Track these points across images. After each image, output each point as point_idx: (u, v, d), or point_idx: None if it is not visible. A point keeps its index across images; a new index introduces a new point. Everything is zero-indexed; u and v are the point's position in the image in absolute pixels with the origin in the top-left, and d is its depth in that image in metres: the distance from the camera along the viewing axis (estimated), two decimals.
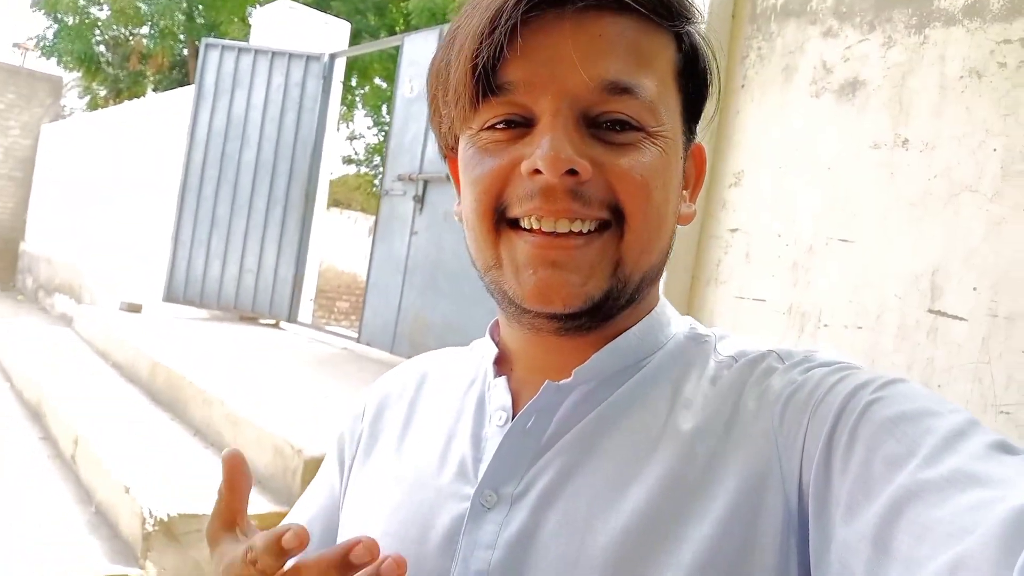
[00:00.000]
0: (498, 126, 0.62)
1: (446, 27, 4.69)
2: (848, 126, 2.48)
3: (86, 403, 3.87)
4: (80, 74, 16.52)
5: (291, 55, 6.29)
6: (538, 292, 0.61)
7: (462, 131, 0.66)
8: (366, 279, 5.38)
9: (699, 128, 0.70)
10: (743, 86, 2.80)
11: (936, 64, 2.31)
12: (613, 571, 0.56)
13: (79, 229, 10.10)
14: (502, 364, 0.74)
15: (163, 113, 8.35)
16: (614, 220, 0.61)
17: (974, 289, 2.13)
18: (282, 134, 6.26)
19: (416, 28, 10.41)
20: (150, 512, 2.51)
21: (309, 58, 6.25)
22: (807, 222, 2.54)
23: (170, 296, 6.47)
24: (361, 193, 17.47)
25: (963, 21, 2.26)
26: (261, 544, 0.51)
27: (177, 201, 6.47)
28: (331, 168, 7.11)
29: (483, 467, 0.66)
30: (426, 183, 4.91)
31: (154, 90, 15.72)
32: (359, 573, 0.50)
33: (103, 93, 17.06)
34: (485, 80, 0.60)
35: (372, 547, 0.49)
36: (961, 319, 2.15)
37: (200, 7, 14.19)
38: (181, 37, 15.09)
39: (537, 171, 0.59)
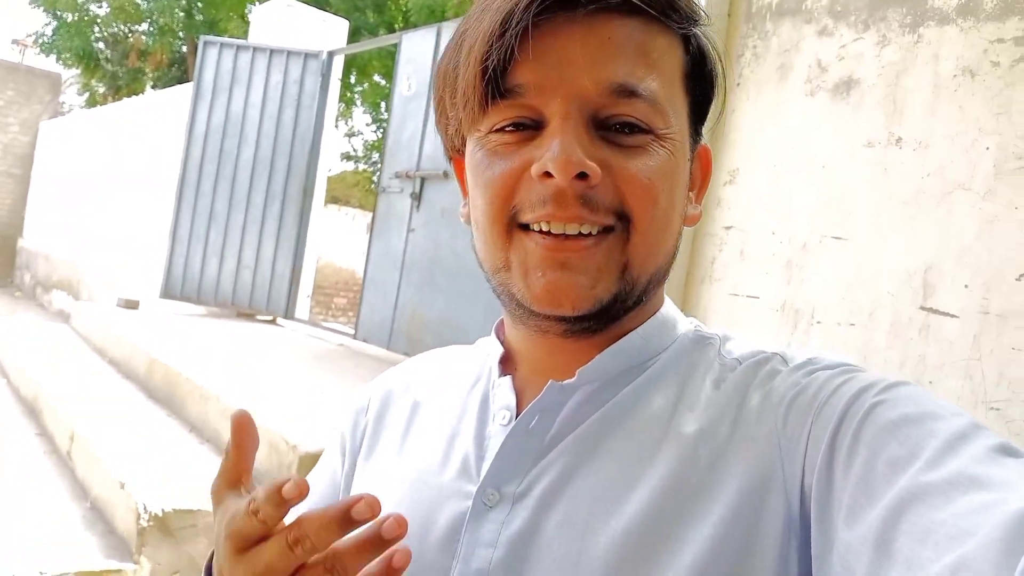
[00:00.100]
0: (507, 129, 0.62)
1: (444, 25, 4.70)
2: (842, 125, 2.49)
3: (83, 399, 3.88)
4: (79, 71, 16.51)
5: (289, 52, 6.29)
6: (547, 294, 0.61)
7: (470, 133, 0.66)
8: (363, 276, 5.38)
9: (704, 129, 0.71)
10: (738, 84, 2.80)
11: (930, 63, 2.32)
12: (614, 572, 0.56)
13: (77, 226, 10.10)
14: (507, 364, 0.74)
15: (162, 110, 8.35)
16: (620, 225, 0.61)
17: (966, 287, 2.14)
18: (280, 131, 6.26)
19: (415, 25, 10.40)
20: (145, 508, 2.51)
21: (307, 56, 6.26)
22: (801, 220, 2.54)
23: (167, 292, 6.48)
24: (359, 190, 17.47)
25: (957, 20, 2.26)
26: (262, 494, 0.51)
27: (175, 198, 6.47)
28: (329, 165, 7.12)
29: (486, 466, 0.66)
30: (423, 180, 4.91)
31: (153, 87, 15.72)
32: (360, 529, 0.50)
33: (102, 90, 17.06)
34: (495, 83, 0.60)
35: (374, 504, 0.50)
36: (953, 316, 2.16)
37: (199, 4, 14.19)
38: (180, 34, 15.08)
39: (547, 174, 0.59)
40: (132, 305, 6.53)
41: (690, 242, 2.87)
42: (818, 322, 2.45)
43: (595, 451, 0.63)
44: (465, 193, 0.73)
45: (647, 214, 0.61)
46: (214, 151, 6.39)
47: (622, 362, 0.66)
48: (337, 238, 12.40)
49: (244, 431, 0.58)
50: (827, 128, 2.53)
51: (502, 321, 0.77)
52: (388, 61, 13.24)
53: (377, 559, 0.51)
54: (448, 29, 4.94)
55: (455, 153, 0.72)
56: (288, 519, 0.52)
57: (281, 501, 0.51)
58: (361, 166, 18.73)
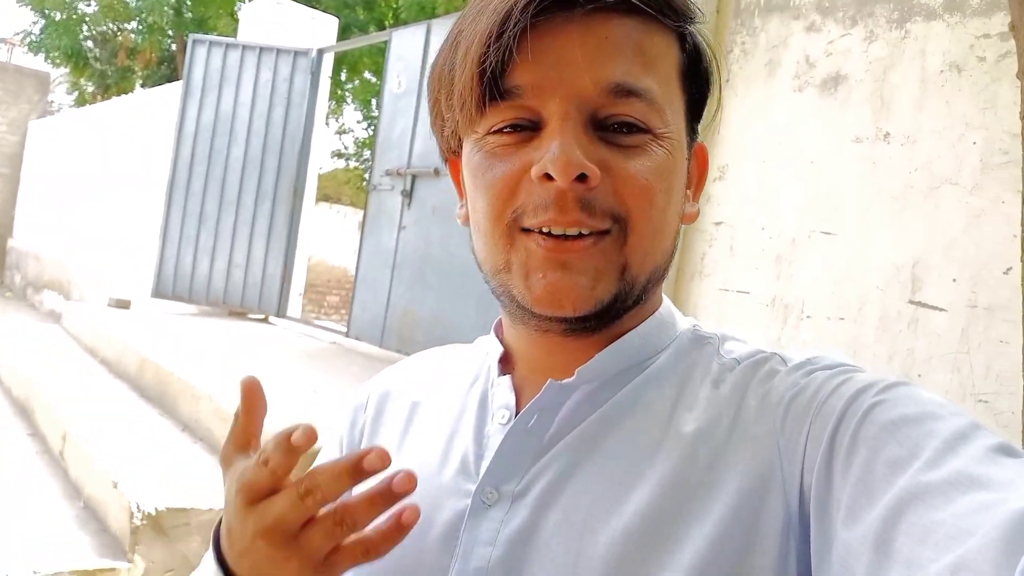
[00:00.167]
0: (505, 130, 0.62)
1: (435, 22, 4.68)
2: (830, 120, 2.51)
3: (75, 399, 3.87)
4: (68, 70, 16.42)
5: (279, 51, 6.28)
6: (548, 296, 0.61)
7: (467, 135, 0.65)
8: (355, 274, 5.38)
9: (701, 127, 0.71)
10: (727, 81, 2.82)
11: (917, 58, 2.33)
12: (613, 572, 0.56)
13: (67, 225, 10.07)
14: (505, 363, 0.74)
15: (151, 109, 8.32)
16: (616, 227, 0.61)
17: (954, 280, 2.16)
18: (270, 129, 6.25)
19: (405, 22, 10.39)
20: (138, 507, 2.52)
21: (297, 53, 6.25)
22: (790, 215, 2.56)
23: (159, 292, 6.47)
24: (351, 187, 17.43)
25: (943, 16, 2.28)
26: (272, 444, 0.53)
27: (165, 197, 6.46)
28: (320, 163, 7.10)
29: (484, 464, 0.66)
30: (414, 178, 4.92)
31: (142, 86, 15.65)
32: (372, 482, 0.52)
33: (91, 89, 16.97)
34: (492, 84, 0.60)
35: (384, 456, 0.51)
36: (941, 310, 2.17)
37: (188, 2, 14.12)
38: (169, 32, 15.00)
39: (547, 176, 0.58)
40: (123, 305, 6.51)
41: (680, 238, 2.88)
42: (808, 317, 2.46)
43: (594, 450, 0.63)
44: (461, 195, 0.72)
45: (645, 215, 0.61)
46: (204, 150, 6.37)
47: (621, 361, 0.66)
48: (329, 236, 12.38)
49: (254, 396, 0.61)
50: (815, 124, 2.55)
51: (501, 320, 0.76)
52: (379, 58, 13.22)
53: (386, 513, 0.52)
54: (438, 26, 4.94)
55: (451, 155, 0.72)
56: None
57: (290, 449, 0.52)
58: (352, 164, 18.70)
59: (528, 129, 0.61)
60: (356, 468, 0.51)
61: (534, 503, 0.62)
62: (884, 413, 0.52)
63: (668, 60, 0.64)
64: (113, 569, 2.47)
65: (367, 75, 15.35)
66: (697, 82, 0.68)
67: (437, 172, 4.72)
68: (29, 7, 14.76)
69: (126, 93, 12.78)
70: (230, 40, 6.59)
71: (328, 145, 17.70)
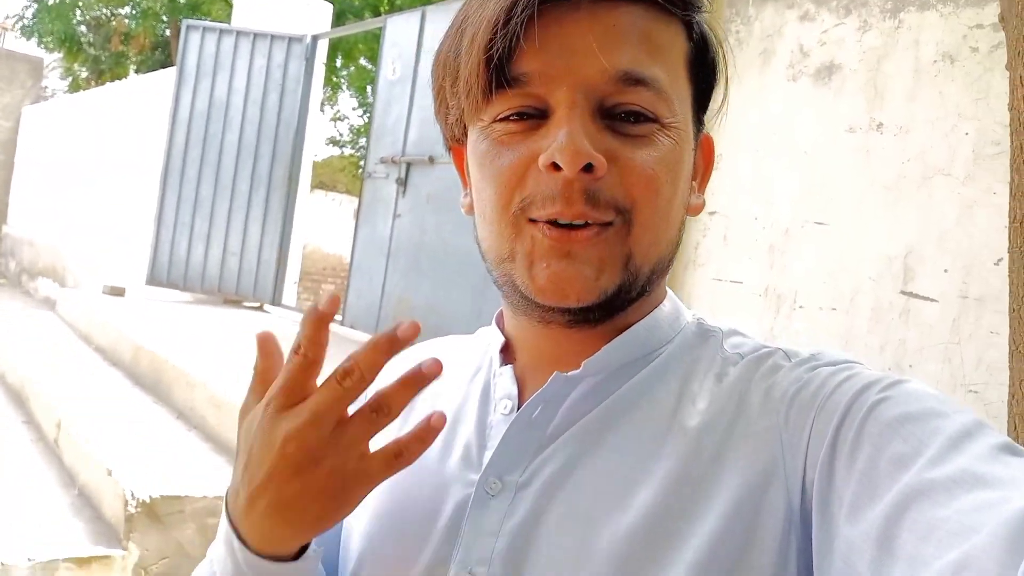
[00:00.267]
0: (511, 118, 0.61)
1: (429, 9, 4.64)
2: (824, 110, 2.51)
3: (69, 387, 3.87)
4: (61, 55, 16.34)
5: (273, 37, 6.25)
6: (552, 286, 0.60)
7: (472, 122, 0.65)
8: (350, 262, 5.38)
9: (707, 117, 0.70)
10: (734, 70, 2.82)
11: (910, 48, 2.33)
12: (618, 566, 0.56)
13: (62, 212, 10.03)
14: (507, 353, 0.73)
15: (145, 95, 8.28)
16: (620, 219, 0.61)
17: (945, 271, 2.16)
18: (264, 116, 6.23)
19: (400, 9, 10.34)
20: (132, 494, 2.52)
21: (291, 40, 6.22)
22: (784, 205, 2.56)
23: (153, 279, 6.45)
24: (346, 175, 17.39)
25: (937, 6, 2.28)
26: (300, 328, 0.54)
27: (160, 183, 6.44)
28: (315, 150, 7.09)
29: (488, 454, 0.65)
30: (409, 166, 4.91)
31: (136, 71, 15.57)
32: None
33: (84, 74, 16.89)
34: (499, 71, 0.59)
35: (415, 326, 0.53)
36: (933, 300, 2.18)
37: None
38: (163, 17, 14.92)
39: (554, 166, 0.58)
40: (118, 292, 6.51)
41: (685, 230, 2.89)
42: (800, 307, 2.47)
43: (598, 443, 0.62)
44: (465, 183, 0.72)
45: (650, 205, 0.61)
46: (198, 136, 6.35)
47: (626, 354, 0.66)
48: (324, 224, 12.36)
49: (269, 346, 0.62)
50: (809, 113, 2.55)
51: (502, 311, 0.76)
52: (374, 44, 13.16)
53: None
54: (433, 13, 4.92)
55: (454, 142, 0.71)
56: None
57: (320, 318, 0.54)
58: (348, 151, 18.66)
59: (535, 117, 0.61)
60: (391, 340, 0.53)
61: (537, 494, 0.62)
62: (888, 410, 0.52)
63: (675, 49, 0.64)
64: (108, 556, 2.48)
65: (363, 61, 15.29)
66: (704, 72, 0.67)
67: (432, 160, 4.71)
68: None
69: (120, 79, 12.72)
70: (224, 26, 6.56)
71: (323, 132, 17.67)
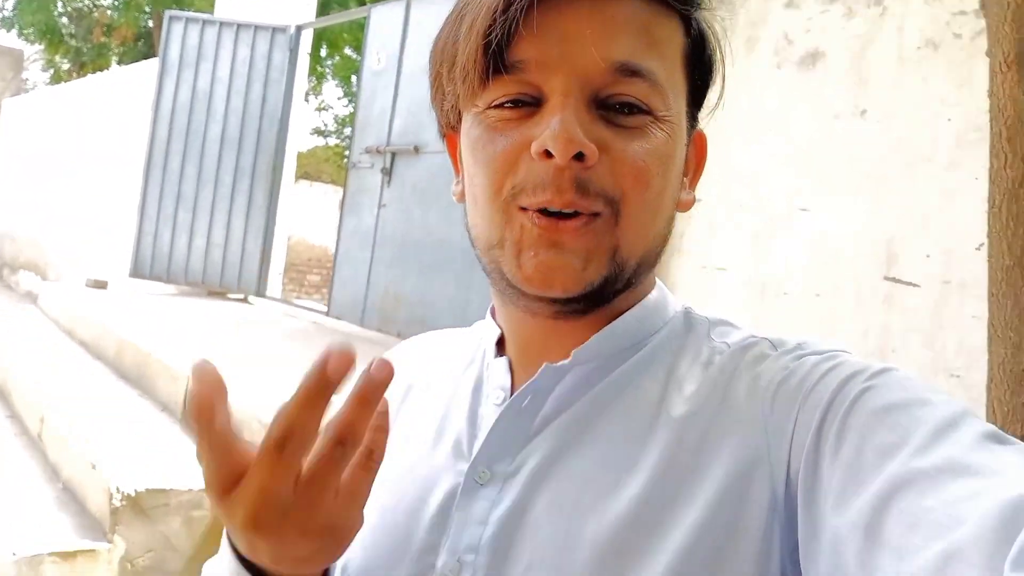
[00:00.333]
0: (506, 105, 0.62)
1: None
2: (809, 97, 2.51)
3: (52, 381, 3.85)
4: (42, 47, 16.19)
5: (257, 27, 6.21)
6: (539, 275, 0.61)
7: (467, 109, 0.65)
8: (335, 252, 5.36)
9: (703, 114, 0.71)
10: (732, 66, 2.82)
11: (894, 35, 2.34)
12: (602, 555, 0.57)
13: (43, 205, 9.95)
14: (501, 346, 0.74)
15: (127, 86, 8.22)
16: (608, 211, 0.61)
17: (928, 257, 2.17)
18: (248, 107, 6.19)
19: None
20: (117, 488, 2.51)
21: (275, 30, 6.18)
22: (768, 193, 2.57)
23: (136, 272, 6.42)
24: (331, 165, 17.33)
25: None
26: (193, 422, 0.48)
27: (143, 175, 6.39)
28: (300, 140, 7.05)
29: (478, 444, 0.66)
30: (394, 156, 4.89)
31: (119, 63, 15.44)
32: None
33: (66, 66, 16.74)
34: (496, 57, 0.60)
35: (346, 352, 0.47)
36: (915, 286, 2.19)
37: None
38: (146, 8, 14.79)
39: (546, 153, 0.58)
40: (100, 285, 6.47)
41: (674, 224, 2.89)
42: (785, 293, 2.48)
43: (586, 432, 0.63)
44: (457, 171, 0.72)
45: (639, 197, 0.61)
46: (181, 128, 6.31)
47: (615, 344, 0.66)
48: (309, 214, 12.31)
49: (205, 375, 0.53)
50: (794, 101, 2.55)
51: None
52: (359, 34, 13.08)
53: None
54: (417, 3, 4.90)
55: (449, 130, 0.72)
56: None
57: (203, 408, 0.48)
58: (333, 141, 18.59)
59: (530, 105, 0.61)
60: (320, 382, 0.46)
61: (525, 483, 0.62)
62: (874, 399, 0.52)
63: (673, 44, 0.64)
64: (93, 550, 2.47)
65: (348, 51, 15.22)
66: (700, 69, 0.67)
67: (417, 150, 4.69)
68: None
69: (102, 70, 12.62)
70: (207, 16, 6.51)
71: (308, 122, 17.58)
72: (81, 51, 15.91)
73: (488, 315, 0.77)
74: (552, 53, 0.59)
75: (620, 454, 0.61)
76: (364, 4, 11.57)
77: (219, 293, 6.48)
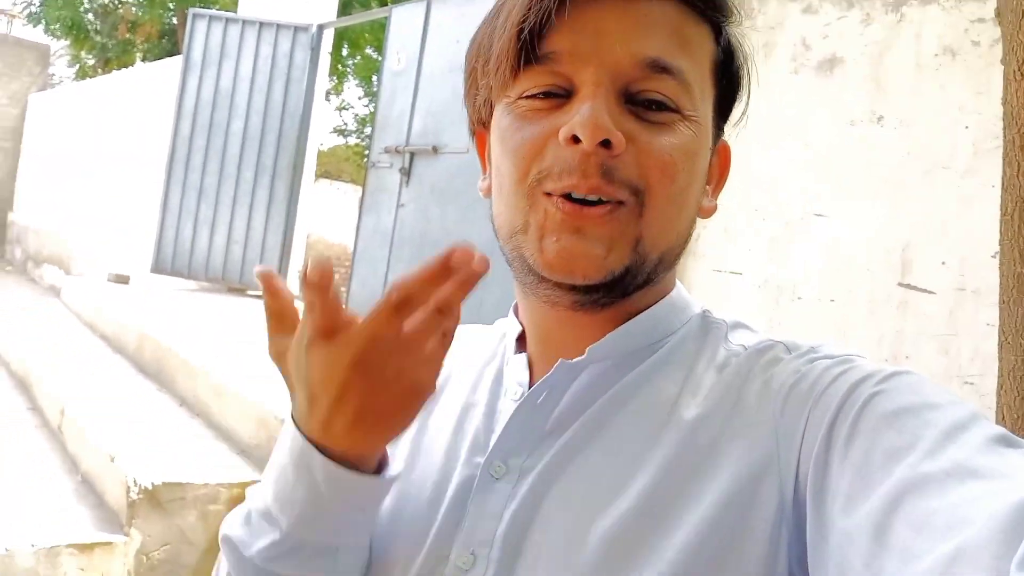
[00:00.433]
0: (538, 96, 0.63)
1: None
2: (826, 103, 2.51)
3: (73, 374, 3.90)
4: (68, 43, 16.34)
5: (279, 26, 6.26)
6: (560, 260, 0.61)
7: (499, 99, 0.66)
8: (353, 251, 5.39)
9: (728, 128, 0.71)
10: (758, 82, 2.82)
11: (912, 42, 2.33)
12: (608, 551, 0.57)
13: (68, 199, 10.06)
14: (522, 342, 0.74)
15: (151, 83, 8.29)
16: (633, 200, 0.61)
17: (943, 263, 2.17)
18: (270, 105, 6.24)
19: None
20: (135, 481, 2.55)
21: (297, 29, 6.22)
22: (785, 197, 2.57)
23: (158, 267, 6.48)
24: (351, 164, 17.40)
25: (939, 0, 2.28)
26: (304, 289, 0.56)
27: (165, 172, 6.45)
28: (320, 139, 7.09)
29: (494, 438, 0.67)
30: (413, 156, 4.91)
31: (143, 59, 15.55)
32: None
33: (91, 62, 16.89)
34: (529, 47, 0.61)
35: (467, 249, 0.53)
36: (930, 293, 2.19)
37: None
38: (170, 6, 14.90)
39: (574, 139, 0.59)
40: (122, 280, 6.53)
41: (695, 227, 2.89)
42: (799, 298, 2.48)
43: (600, 430, 0.64)
44: (485, 168, 0.73)
45: (664, 190, 0.62)
46: (204, 125, 6.36)
47: (632, 342, 0.67)
48: (329, 213, 12.36)
49: (269, 281, 0.64)
50: (811, 106, 2.55)
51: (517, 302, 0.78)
52: (380, 34, 13.09)
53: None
54: (438, 3, 4.91)
55: (479, 126, 0.73)
56: None
57: (314, 280, 0.55)
58: (353, 140, 18.65)
59: (560, 97, 0.62)
60: (442, 267, 0.53)
61: (538, 478, 0.63)
62: (884, 403, 0.52)
63: (703, 49, 0.65)
64: (110, 542, 2.50)
65: (369, 51, 15.27)
66: (728, 79, 0.68)
67: (435, 150, 4.71)
68: None
69: (127, 66, 12.73)
70: (230, 15, 6.57)
71: (329, 121, 17.65)
72: (106, 47, 16.05)
73: (511, 312, 0.78)
74: (584, 45, 0.60)
75: (632, 453, 0.61)
76: (385, 4, 11.61)
77: (239, 289, 6.53)
